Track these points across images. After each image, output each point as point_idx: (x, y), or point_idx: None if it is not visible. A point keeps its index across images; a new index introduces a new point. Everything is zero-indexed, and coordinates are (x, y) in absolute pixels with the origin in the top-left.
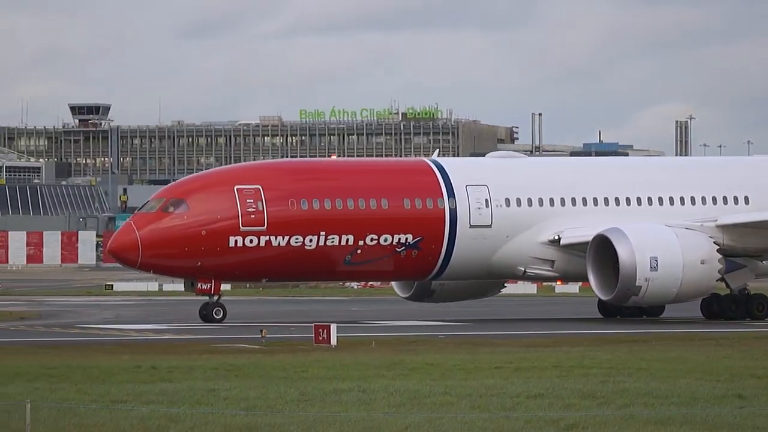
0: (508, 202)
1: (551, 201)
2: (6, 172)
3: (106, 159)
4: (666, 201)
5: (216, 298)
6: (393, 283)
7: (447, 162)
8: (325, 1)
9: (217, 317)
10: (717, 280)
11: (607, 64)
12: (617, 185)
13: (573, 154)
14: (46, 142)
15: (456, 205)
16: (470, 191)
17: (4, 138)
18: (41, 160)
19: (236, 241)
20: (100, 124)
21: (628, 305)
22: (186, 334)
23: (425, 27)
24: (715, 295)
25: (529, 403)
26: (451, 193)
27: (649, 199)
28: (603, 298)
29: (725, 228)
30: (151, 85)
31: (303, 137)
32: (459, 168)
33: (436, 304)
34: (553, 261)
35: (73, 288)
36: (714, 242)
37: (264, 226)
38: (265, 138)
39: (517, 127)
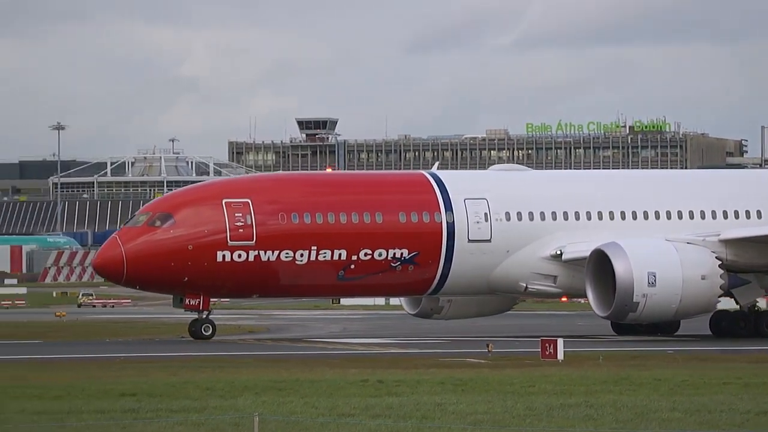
0: (508, 216)
1: (553, 215)
2: None
3: None
4: (674, 215)
5: (205, 314)
6: (401, 300)
7: (445, 175)
8: (554, 15)
9: (206, 334)
10: (721, 296)
11: None
12: (621, 199)
13: None
14: (273, 157)
15: (454, 219)
16: (469, 205)
17: (233, 153)
18: None
19: (224, 256)
20: (327, 138)
21: (626, 322)
22: (412, 348)
23: (654, 40)
24: (724, 311)
25: (759, 419)
26: (448, 207)
27: (656, 213)
28: (601, 314)
29: (728, 242)
30: (378, 99)
31: (529, 151)
32: (458, 181)
33: (446, 321)
34: (555, 276)
35: (300, 302)
36: (716, 257)
37: (253, 240)
38: (491, 152)
39: (746, 140)
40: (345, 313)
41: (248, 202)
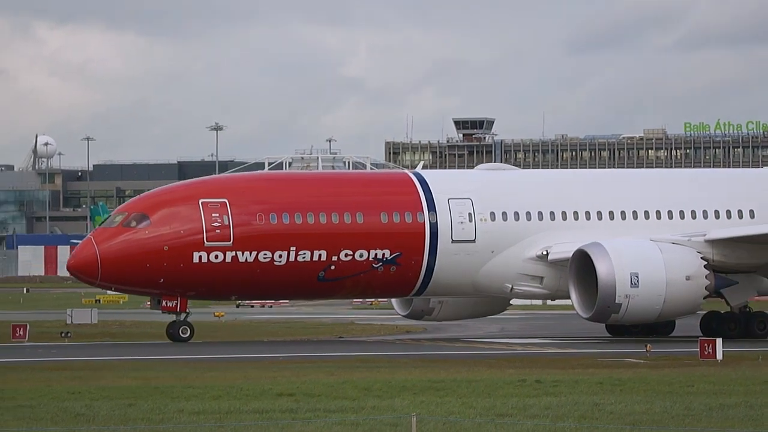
0: (493, 216)
1: (539, 215)
2: None
3: None
4: (664, 215)
5: (183, 316)
6: (392, 301)
7: (429, 174)
8: (715, 15)
9: (184, 336)
10: (706, 297)
11: None
12: (609, 199)
13: None
14: (430, 157)
15: (437, 219)
16: (453, 205)
17: (390, 152)
18: None
19: (201, 257)
20: (484, 138)
21: (609, 324)
22: (570, 348)
23: None
24: (715, 312)
25: None
26: (432, 207)
27: (646, 213)
28: (584, 315)
29: (715, 243)
30: (536, 99)
31: (687, 150)
32: (442, 181)
33: (438, 323)
34: (542, 278)
35: None
36: (702, 257)
37: (230, 241)
38: (649, 151)
39: None
40: (504, 313)
41: (225, 202)
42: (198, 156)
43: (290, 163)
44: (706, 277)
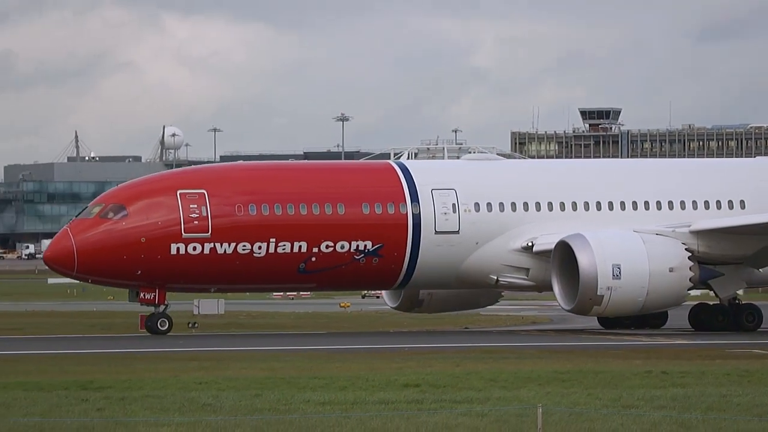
0: (477, 206)
1: (525, 206)
2: None
3: None
4: (652, 205)
5: (162, 308)
6: (383, 293)
7: (413, 165)
8: None
9: (162, 329)
10: (691, 289)
11: None
12: (594, 189)
13: None
14: (556, 147)
15: (420, 210)
16: (436, 195)
17: (515, 143)
18: None
19: (178, 249)
20: (610, 128)
21: (591, 315)
22: (698, 338)
23: None
24: (703, 304)
25: None
26: (414, 198)
27: (634, 204)
28: (566, 308)
29: (700, 234)
30: (663, 89)
31: None
32: (425, 171)
33: (428, 315)
34: (527, 269)
35: None
36: (686, 249)
37: (208, 232)
38: None
39: None
40: None
41: (204, 193)
42: (324, 147)
43: (416, 154)
44: (690, 268)
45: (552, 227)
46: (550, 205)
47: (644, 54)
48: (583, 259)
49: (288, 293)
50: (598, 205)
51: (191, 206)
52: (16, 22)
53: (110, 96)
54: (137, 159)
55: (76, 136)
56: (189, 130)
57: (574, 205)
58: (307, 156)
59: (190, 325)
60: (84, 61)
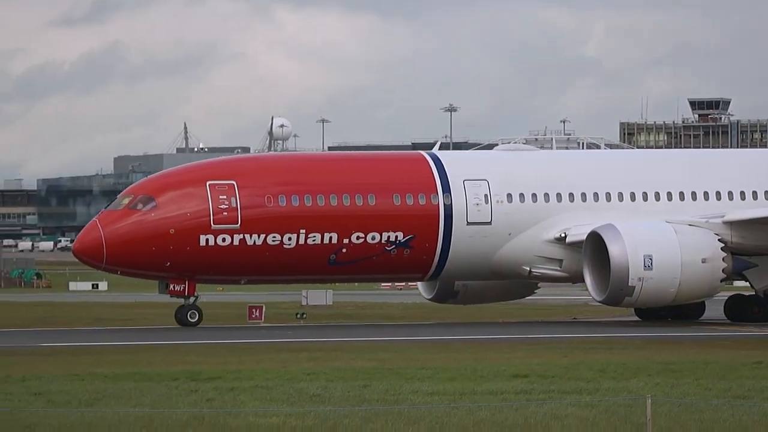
0: (510, 197)
1: (558, 196)
2: None
3: None
4: (687, 196)
5: (192, 300)
6: (418, 285)
7: (445, 155)
8: None
9: (192, 320)
10: (724, 280)
11: None
12: (628, 179)
13: None
14: (665, 137)
15: (452, 201)
16: (468, 186)
17: (624, 133)
18: None
19: (207, 240)
20: (720, 118)
21: (623, 306)
22: None
23: None
24: (738, 295)
25: None
26: (446, 188)
27: (669, 195)
28: (597, 299)
29: (733, 224)
30: None
31: None
32: (458, 162)
33: (464, 306)
34: (561, 260)
35: None
36: (719, 239)
37: (237, 223)
38: None
39: None
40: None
41: (233, 185)
42: (432, 137)
43: (524, 144)
44: (723, 259)
45: (585, 218)
46: (583, 196)
47: (754, 44)
48: (614, 250)
49: (396, 284)
50: (633, 196)
51: (221, 197)
52: (126, 13)
53: (220, 87)
54: (246, 150)
55: (185, 128)
56: (297, 121)
57: (608, 196)
58: (415, 147)
59: (298, 315)
60: (194, 52)
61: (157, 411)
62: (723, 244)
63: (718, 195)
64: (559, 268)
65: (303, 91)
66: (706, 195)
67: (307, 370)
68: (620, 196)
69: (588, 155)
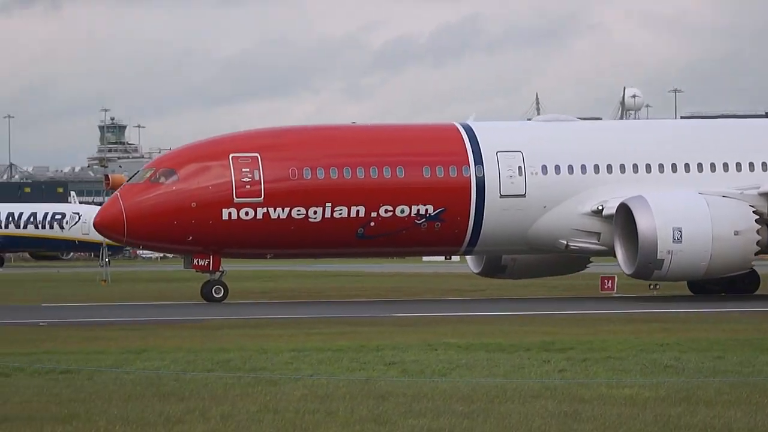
0: (545, 169)
1: (595, 168)
2: None
3: None
4: (731, 167)
5: (218, 275)
6: (467, 259)
7: (479, 126)
8: None
9: (218, 296)
10: (758, 253)
11: None
12: (667, 150)
13: None
14: None
15: (484, 173)
16: (501, 158)
17: None
18: None
19: (230, 214)
20: None
21: (652, 280)
22: None
23: None
24: None
25: None
26: (479, 160)
27: (712, 165)
28: (627, 272)
29: None
30: None
31: None
32: (491, 132)
33: (513, 281)
34: (599, 234)
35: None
36: (755, 211)
37: (261, 197)
38: None
39: None
40: None
41: (257, 157)
42: None
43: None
44: (757, 231)
45: (623, 190)
46: (622, 167)
47: None
48: (642, 222)
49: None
50: (674, 167)
51: (243, 170)
52: None
53: (576, 58)
54: (597, 119)
55: (537, 98)
56: (651, 92)
57: (648, 167)
58: None
59: (651, 286)
60: (553, 22)
61: (510, 381)
62: (758, 216)
63: (751, 166)
64: (597, 242)
65: (659, 62)
66: (751, 166)
67: (660, 341)
68: (661, 168)
69: (627, 125)
